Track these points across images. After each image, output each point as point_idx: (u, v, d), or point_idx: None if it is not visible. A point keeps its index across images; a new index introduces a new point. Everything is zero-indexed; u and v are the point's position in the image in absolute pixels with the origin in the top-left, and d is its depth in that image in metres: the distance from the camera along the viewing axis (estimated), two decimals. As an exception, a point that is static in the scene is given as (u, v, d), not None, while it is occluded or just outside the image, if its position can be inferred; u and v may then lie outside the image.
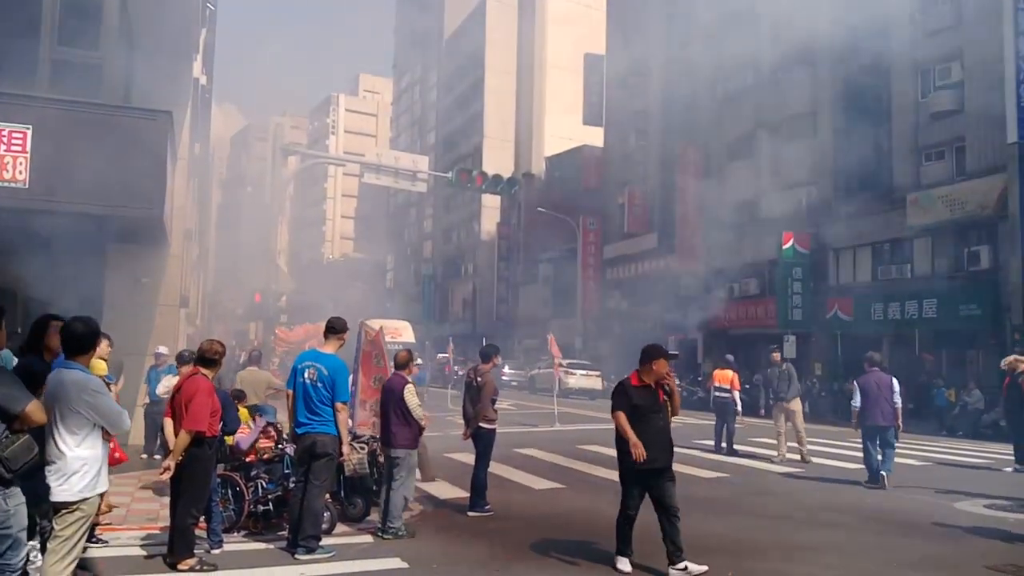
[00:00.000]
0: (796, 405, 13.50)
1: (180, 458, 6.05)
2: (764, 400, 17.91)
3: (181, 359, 9.58)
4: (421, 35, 76.35)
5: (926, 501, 9.68)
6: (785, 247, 27.14)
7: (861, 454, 13.47)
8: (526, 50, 60.36)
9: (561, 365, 30.04)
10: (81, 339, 4.53)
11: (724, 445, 14.23)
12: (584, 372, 32.01)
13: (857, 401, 11.08)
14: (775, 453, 13.40)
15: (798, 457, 13.15)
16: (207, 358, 6.52)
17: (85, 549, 5.61)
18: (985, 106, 21.97)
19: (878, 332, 24.20)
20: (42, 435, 4.23)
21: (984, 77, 22.09)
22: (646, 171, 38.88)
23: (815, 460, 13.20)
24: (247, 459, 7.85)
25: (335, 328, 7.14)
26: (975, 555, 6.73)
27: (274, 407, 8.80)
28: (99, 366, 5.77)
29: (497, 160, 55.11)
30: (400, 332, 24.80)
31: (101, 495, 4.57)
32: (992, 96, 21.57)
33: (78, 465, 4.31)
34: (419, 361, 22.61)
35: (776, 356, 14.14)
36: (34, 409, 4.00)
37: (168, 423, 6.30)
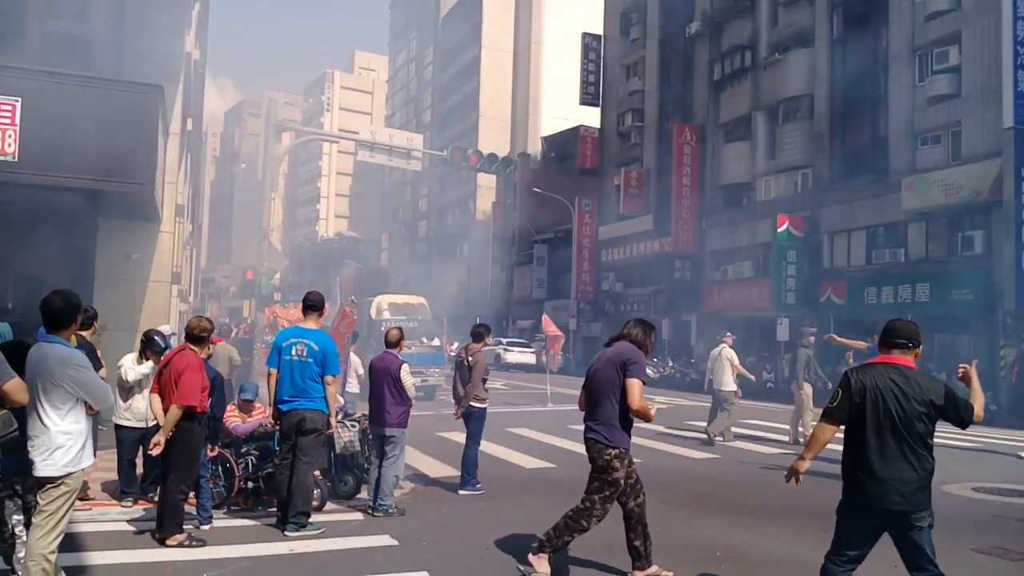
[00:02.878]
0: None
1: (170, 433, 6.03)
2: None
3: (152, 345, 7.48)
4: (417, 11, 75.74)
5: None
6: (780, 230, 27.12)
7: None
8: (523, 28, 59.97)
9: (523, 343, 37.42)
10: (59, 313, 4.46)
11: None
12: (520, 349, 36.47)
13: None
14: (787, 437, 13.50)
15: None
16: (195, 335, 6.48)
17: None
18: (982, 91, 21.90)
19: (871, 316, 24.26)
20: (23, 410, 4.20)
21: (982, 61, 21.99)
22: (642, 152, 38.76)
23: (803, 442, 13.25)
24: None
25: (316, 304, 7.13)
26: (962, 538, 6.76)
27: (256, 384, 8.76)
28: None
29: (493, 139, 54.87)
30: (415, 308, 22.37)
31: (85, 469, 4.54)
32: (989, 81, 21.49)
33: (62, 440, 4.27)
34: (436, 342, 21.13)
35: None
36: (13, 387, 3.96)
37: (155, 399, 6.26)
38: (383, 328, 19.36)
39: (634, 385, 5.22)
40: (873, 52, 26.32)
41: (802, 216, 27.45)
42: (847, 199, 26.26)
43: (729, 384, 12.82)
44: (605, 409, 5.37)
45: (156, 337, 7.63)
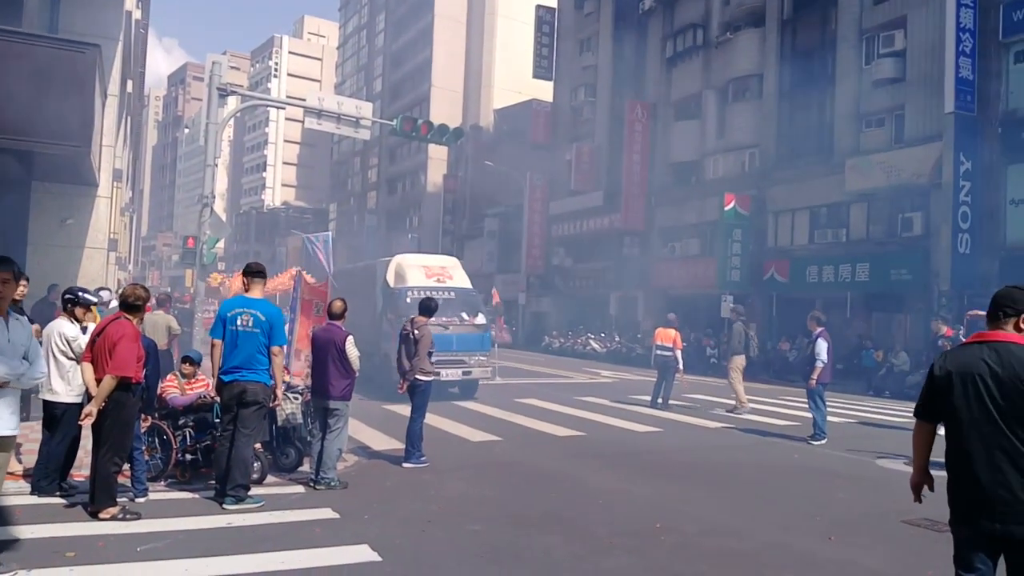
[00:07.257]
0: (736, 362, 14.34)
1: (103, 404, 5.85)
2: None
3: (82, 301, 6.83)
4: (369, -23, 74.16)
5: (850, 458, 10.01)
6: (727, 208, 27.45)
7: (791, 411, 13.87)
8: (477, -2, 59.19)
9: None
10: None
11: (660, 400, 14.50)
12: None
13: (825, 357, 11.23)
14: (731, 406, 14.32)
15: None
16: (130, 303, 6.27)
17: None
18: (925, 76, 22.38)
19: (812, 294, 24.81)
20: None
21: (926, 47, 22.45)
22: (594, 128, 38.79)
23: (746, 416, 13.56)
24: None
25: (259, 272, 6.98)
26: (893, 510, 6.99)
27: (200, 352, 8.56)
28: None
29: (445, 111, 54.24)
30: (450, 274, 16.92)
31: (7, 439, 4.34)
32: (933, 66, 21.96)
33: None
34: (480, 319, 15.72)
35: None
36: None
37: (87, 368, 6.03)
38: (408, 300, 14.70)
39: None
40: (822, 34, 26.65)
41: (749, 195, 27.83)
42: (793, 179, 26.69)
43: None
44: None
45: (82, 294, 6.88)
